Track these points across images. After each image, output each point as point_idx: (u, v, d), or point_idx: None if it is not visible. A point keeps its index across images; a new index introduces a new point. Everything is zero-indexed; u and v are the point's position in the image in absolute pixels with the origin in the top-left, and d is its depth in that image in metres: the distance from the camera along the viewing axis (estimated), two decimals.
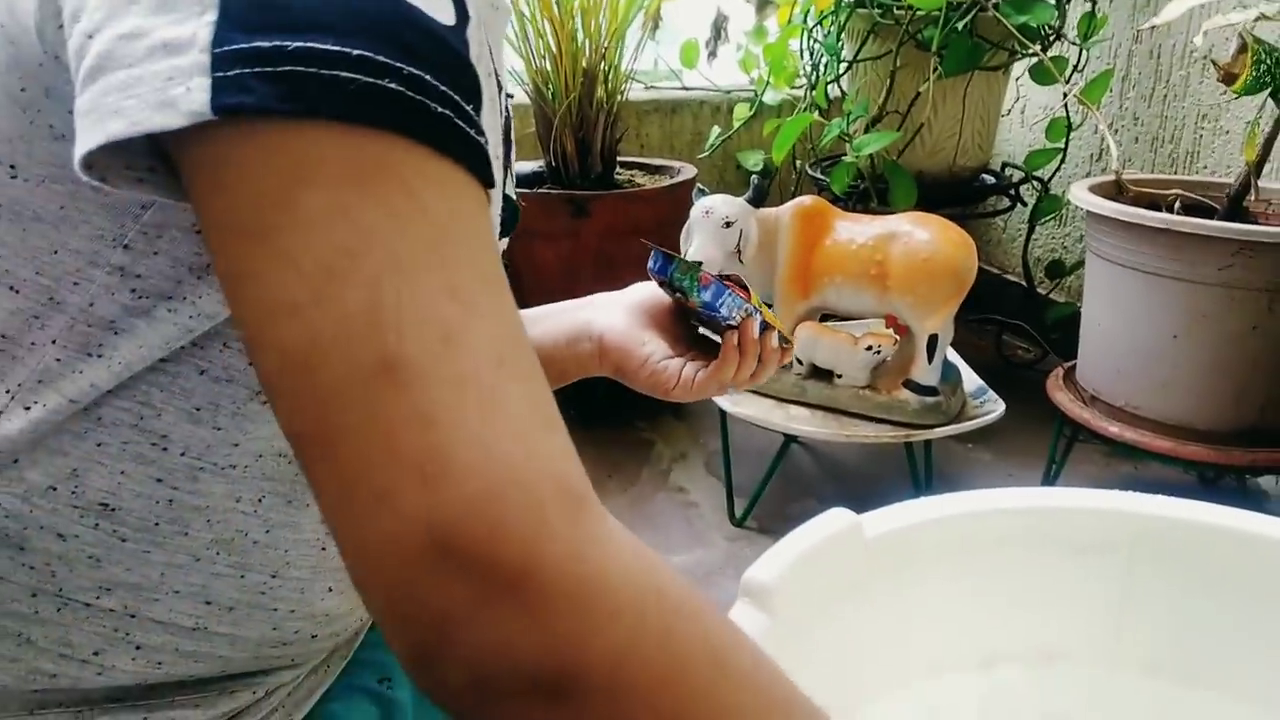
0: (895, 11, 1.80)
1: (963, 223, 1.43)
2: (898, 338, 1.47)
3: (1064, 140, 1.94)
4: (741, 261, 1.41)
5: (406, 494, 0.30)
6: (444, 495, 0.30)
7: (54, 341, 0.41)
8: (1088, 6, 1.87)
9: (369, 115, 0.31)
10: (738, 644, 0.35)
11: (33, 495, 0.42)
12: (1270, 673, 0.69)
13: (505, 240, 0.54)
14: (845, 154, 1.83)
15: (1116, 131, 2.04)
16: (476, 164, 0.34)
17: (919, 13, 1.75)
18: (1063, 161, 2.00)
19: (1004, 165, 2.21)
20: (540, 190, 1.87)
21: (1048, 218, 2.10)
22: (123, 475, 0.43)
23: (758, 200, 1.41)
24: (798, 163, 2.23)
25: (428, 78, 0.32)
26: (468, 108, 0.34)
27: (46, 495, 0.42)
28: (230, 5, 0.31)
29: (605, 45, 1.83)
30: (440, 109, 0.33)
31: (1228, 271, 1.32)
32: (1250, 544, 0.68)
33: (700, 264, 0.68)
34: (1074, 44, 1.89)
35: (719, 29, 2.43)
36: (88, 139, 0.32)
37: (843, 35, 1.93)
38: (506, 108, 0.51)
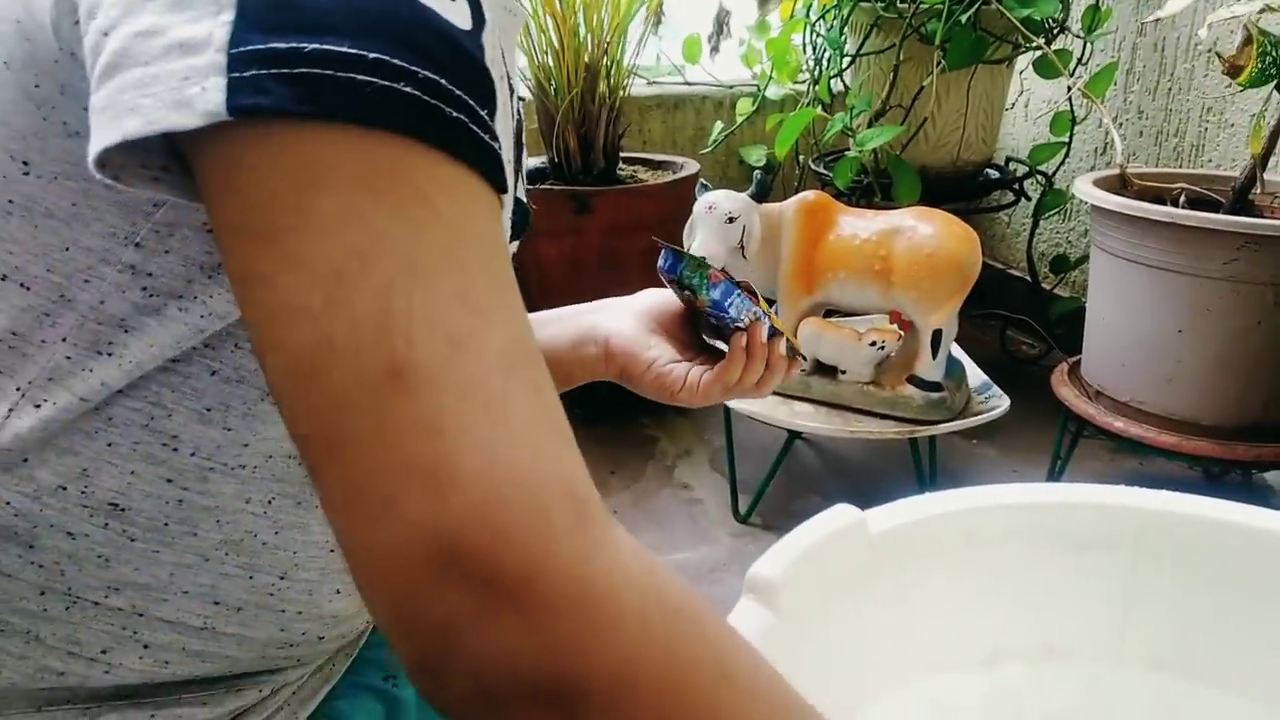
0: (898, 5, 1.79)
1: (967, 217, 1.43)
2: (902, 333, 1.47)
3: (1068, 134, 1.94)
4: (745, 257, 1.41)
5: (412, 501, 0.30)
6: (449, 503, 0.30)
7: (64, 339, 0.41)
8: None
9: (384, 119, 0.31)
10: (739, 649, 0.35)
11: (43, 494, 0.42)
12: (1275, 669, 0.69)
13: (515, 244, 0.54)
14: (848, 149, 1.82)
15: (1121, 125, 2.04)
16: (490, 169, 0.34)
17: (922, 6, 1.75)
18: (1067, 155, 2.00)
19: (1008, 159, 2.20)
20: (543, 186, 1.87)
21: (1052, 212, 2.10)
22: (133, 475, 0.43)
23: (761, 196, 1.41)
24: (801, 158, 2.22)
25: (443, 82, 0.32)
26: (482, 112, 0.34)
27: (56, 494, 0.42)
28: (247, 5, 0.31)
29: (607, 40, 1.83)
30: (455, 113, 0.33)
31: (1233, 265, 1.32)
32: (1255, 539, 0.68)
33: (707, 260, 0.67)
34: (1078, 37, 1.88)
35: (721, 24, 2.42)
36: (103, 136, 0.32)
37: (846, 29, 1.93)
38: (518, 110, 0.51)
